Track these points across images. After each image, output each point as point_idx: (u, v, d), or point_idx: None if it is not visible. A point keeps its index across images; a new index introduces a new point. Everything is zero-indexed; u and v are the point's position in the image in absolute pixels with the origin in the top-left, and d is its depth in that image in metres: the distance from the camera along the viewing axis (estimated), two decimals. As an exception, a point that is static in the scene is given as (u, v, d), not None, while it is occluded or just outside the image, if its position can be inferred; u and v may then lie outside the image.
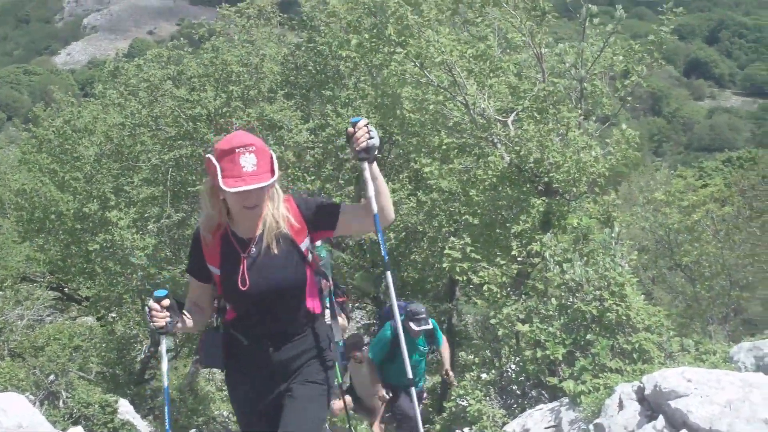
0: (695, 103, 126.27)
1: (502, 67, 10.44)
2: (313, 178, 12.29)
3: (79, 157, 16.17)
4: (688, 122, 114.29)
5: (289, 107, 12.79)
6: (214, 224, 3.99)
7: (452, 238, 10.43)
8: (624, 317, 7.45)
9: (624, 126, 10.03)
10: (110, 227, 13.79)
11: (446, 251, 9.94)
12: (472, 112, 9.98)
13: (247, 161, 3.72)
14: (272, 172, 3.78)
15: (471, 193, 10.41)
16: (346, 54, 11.56)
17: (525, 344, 8.60)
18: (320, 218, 4.09)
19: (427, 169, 10.68)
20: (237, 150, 3.71)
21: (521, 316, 8.39)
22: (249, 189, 3.69)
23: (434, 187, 11.53)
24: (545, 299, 8.28)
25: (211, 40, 14.41)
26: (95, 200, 15.06)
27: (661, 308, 8.31)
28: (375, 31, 10.53)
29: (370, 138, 3.92)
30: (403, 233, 14.08)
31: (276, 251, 3.99)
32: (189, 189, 13.74)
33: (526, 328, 7.97)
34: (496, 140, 10.16)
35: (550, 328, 7.70)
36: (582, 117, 10.03)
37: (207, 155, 3.82)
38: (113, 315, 17.25)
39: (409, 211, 13.35)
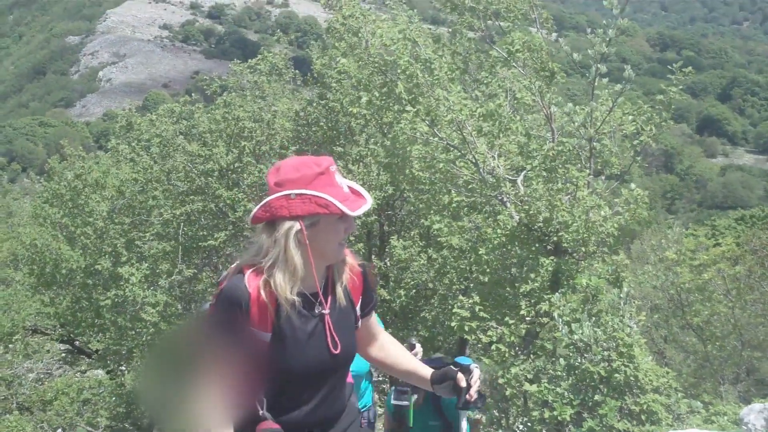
0: (708, 160, 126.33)
1: (511, 127, 10.50)
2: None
3: (90, 211, 16.19)
4: (701, 180, 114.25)
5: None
6: (296, 281, 3.05)
7: (461, 297, 10.43)
8: (632, 378, 7.42)
9: (633, 186, 10.04)
10: (122, 282, 13.75)
11: (455, 310, 9.94)
12: (481, 170, 10.03)
13: (342, 181, 3.06)
14: (358, 192, 3.11)
15: (480, 252, 10.41)
16: (356, 111, 11.67)
17: (533, 404, 8.55)
18: (370, 300, 3.40)
19: (436, 226, 10.71)
20: (331, 170, 3.02)
21: (529, 376, 8.37)
22: (369, 206, 3.06)
23: (445, 244, 11.55)
24: (553, 359, 8.26)
25: (224, 96, 14.53)
26: (107, 256, 15.07)
27: (669, 369, 8.28)
28: (385, 89, 10.63)
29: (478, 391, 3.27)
30: (414, 290, 14.07)
31: (342, 311, 3.26)
32: (200, 244, 13.79)
33: (534, 388, 7.94)
34: (505, 199, 10.19)
35: (558, 389, 7.67)
36: (591, 176, 10.06)
37: (273, 198, 2.99)
38: (123, 369, 17.23)
39: (420, 268, 13.36)
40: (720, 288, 18.46)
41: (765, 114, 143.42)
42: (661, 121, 10.16)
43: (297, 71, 16.44)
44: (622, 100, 10.08)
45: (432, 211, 11.21)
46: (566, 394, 7.58)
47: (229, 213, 13.53)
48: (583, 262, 10.12)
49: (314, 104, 13.89)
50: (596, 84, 9.99)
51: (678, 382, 8.24)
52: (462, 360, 3.33)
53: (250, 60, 15.81)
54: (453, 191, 10.71)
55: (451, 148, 10.29)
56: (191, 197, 13.52)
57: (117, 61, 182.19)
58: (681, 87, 10.19)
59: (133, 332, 14.71)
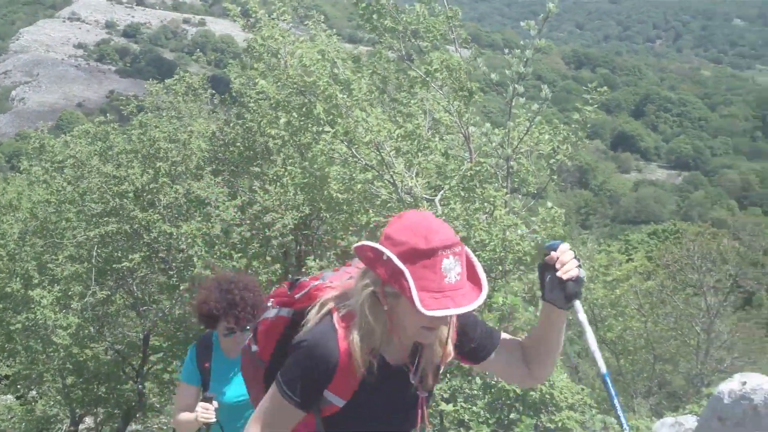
0: (622, 176, 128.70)
1: (430, 147, 10.55)
2: (240, 255, 12.22)
3: (3, 234, 15.80)
4: (614, 195, 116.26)
5: (216, 184, 12.77)
6: (375, 344, 2.79)
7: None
8: (547, 396, 7.49)
9: (549, 204, 10.16)
10: (33, 305, 13.43)
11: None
12: (399, 190, 10.05)
13: (452, 269, 2.60)
14: (479, 283, 2.70)
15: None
16: (275, 132, 11.60)
17: (449, 424, 8.58)
18: (479, 345, 3.07)
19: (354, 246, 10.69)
20: (441, 253, 2.58)
21: (445, 396, 8.38)
22: (457, 313, 2.61)
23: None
24: (470, 378, 8.29)
25: (139, 116, 14.36)
26: (18, 278, 14.69)
27: (584, 387, 8.38)
28: (304, 110, 10.60)
29: (579, 266, 2.85)
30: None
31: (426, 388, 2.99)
32: (114, 266, 13.58)
33: (450, 407, 7.95)
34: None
35: (474, 408, 7.71)
36: (508, 195, 10.14)
37: (376, 247, 2.67)
38: (33, 394, 16.88)
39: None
40: (633, 303, 18.80)
41: (677, 130, 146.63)
42: (577, 140, 10.30)
43: (214, 91, 16.31)
44: (539, 119, 10.18)
45: (350, 232, 11.20)
46: (482, 413, 7.62)
47: (144, 234, 13.35)
48: (500, 280, 10.18)
49: (231, 124, 13.79)
50: (513, 104, 10.09)
51: (592, 398, 8.33)
52: (550, 244, 2.84)
53: (166, 80, 15.67)
54: (371, 211, 10.71)
55: (370, 169, 10.29)
56: (105, 219, 13.29)
57: (30, 81, 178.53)
58: (596, 105, 10.36)
59: (44, 356, 14.42)
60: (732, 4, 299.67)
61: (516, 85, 9.99)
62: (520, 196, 10.78)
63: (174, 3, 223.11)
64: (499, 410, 7.70)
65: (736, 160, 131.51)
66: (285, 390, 2.85)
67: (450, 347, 2.93)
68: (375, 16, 10.38)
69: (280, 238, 12.43)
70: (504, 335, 3.16)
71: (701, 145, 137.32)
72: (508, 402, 7.69)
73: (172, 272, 13.26)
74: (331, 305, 2.86)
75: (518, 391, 7.53)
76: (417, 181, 10.21)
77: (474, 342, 3.03)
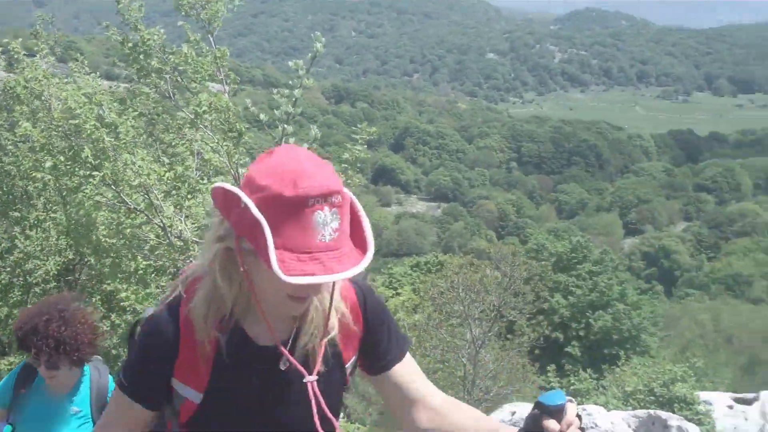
0: (383, 209, 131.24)
1: (200, 189, 10.36)
2: (0, 304, 11.60)
3: None
4: (377, 228, 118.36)
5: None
6: (220, 314, 2.21)
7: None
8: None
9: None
10: None
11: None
12: (169, 234, 9.81)
13: (327, 224, 2.01)
14: (364, 243, 2.14)
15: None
16: (40, 176, 11.09)
17: None
18: (382, 350, 2.47)
19: (123, 294, 10.32)
20: (312, 203, 1.98)
21: None
22: (326, 281, 2.00)
23: (128, 309, 11.18)
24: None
25: None
26: None
27: (358, 425, 8.42)
28: (71, 152, 10.17)
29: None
30: (99, 356, 13.50)
31: (315, 371, 2.32)
32: None
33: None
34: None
35: None
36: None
37: (232, 191, 2.06)
38: None
39: (102, 335, 12.83)
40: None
41: (436, 162, 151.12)
42: (347, 179, 10.41)
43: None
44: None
45: (118, 279, 10.83)
46: None
47: None
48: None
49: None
50: (283, 143, 10.07)
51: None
52: (549, 398, 2.16)
53: None
54: (139, 256, 10.41)
55: (138, 213, 10.00)
56: None
57: None
58: (364, 144, 10.53)
59: None
60: (485, 39, 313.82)
61: (285, 126, 9.99)
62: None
63: None
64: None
65: (493, 190, 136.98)
66: (120, 378, 2.33)
67: (334, 320, 2.32)
68: (142, 57, 10.12)
69: (42, 285, 11.87)
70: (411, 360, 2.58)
71: (459, 176, 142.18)
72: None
73: None
74: (179, 288, 2.28)
75: None
76: (187, 225, 10.01)
77: (378, 330, 2.46)
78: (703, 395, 12.69)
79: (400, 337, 2.52)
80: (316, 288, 2.13)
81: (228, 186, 2.08)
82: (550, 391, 2.23)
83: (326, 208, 1.99)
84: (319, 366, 2.30)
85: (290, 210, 1.96)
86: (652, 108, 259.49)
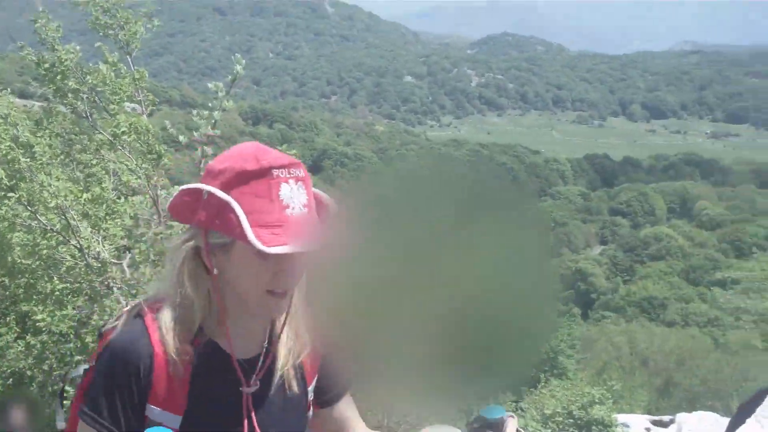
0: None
1: (118, 210, 10.29)
2: None
3: None
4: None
5: None
6: (194, 327, 2.10)
7: (68, 387, 9.98)
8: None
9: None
10: None
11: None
12: (86, 255, 9.74)
13: (295, 197, 2.00)
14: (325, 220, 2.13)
15: (87, 340, 10.08)
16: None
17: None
18: (337, 373, 2.41)
19: (39, 316, 10.20)
20: (277, 174, 1.98)
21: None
22: (305, 250, 1.95)
23: (44, 329, 11.04)
24: None
25: None
26: None
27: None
28: (-15, 174, 10.07)
29: None
30: (11, 379, 13.30)
31: (288, 392, 2.24)
32: None
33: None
34: (111, 284, 9.95)
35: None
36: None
37: (191, 187, 2.03)
38: None
39: (17, 355, 12.66)
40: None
41: (354, 184, 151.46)
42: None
43: None
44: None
45: (33, 300, 10.70)
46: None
47: None
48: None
49: None
50: (202, 166, 10.07)
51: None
52: (489, 412, 2.12)
53: None
54: (55, 278, 10.30)
55: (54, 234, 9.91)
56: None
57: None
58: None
59: None
60: (403, 62, 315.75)
61: (205, 147, 9.99)
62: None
63: None
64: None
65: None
66: (89, 414, 2.07)
67: (306, 337, 2.25)
68: (59, 77, 10.05)
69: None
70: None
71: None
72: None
73: None
74: (141, 306, 2.16)
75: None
76: (105, 246, 9.94)
77: (330, 383, 2.39)
78: (621, 417, 12.93)
79: (348, 372, 2.46)
80: (293, 269, 2.03)
81: (185, 187, 2.04)
82: (490, 405, 2.29)
83: (291, 181, 2.00)
84: (289, 386, 2.26)
85: (256, 184, 1.95)
86: (568, 132, 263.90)
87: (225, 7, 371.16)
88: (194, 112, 10.16)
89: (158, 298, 2.16)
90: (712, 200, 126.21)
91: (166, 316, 2.08)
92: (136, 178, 10.44)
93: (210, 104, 10.02)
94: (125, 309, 2.20)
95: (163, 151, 10.22)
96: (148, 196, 10.44)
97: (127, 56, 10.60)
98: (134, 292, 9.64)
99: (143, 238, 10.11)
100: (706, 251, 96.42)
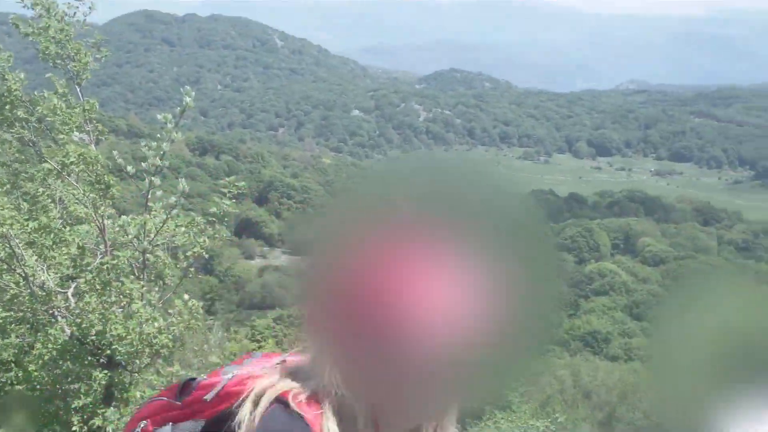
0: (246, 261, 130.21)
1: (65, 239, 10.30)
2: None
3: None
4: (239, 281, 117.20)
5: None
6: None
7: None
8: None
9: (187, 296, 10.27)
10: None
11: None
12: (31, 284, 9.74)
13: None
14: None
15: (30, 368, 10.04)
16: None
17: None
18: None
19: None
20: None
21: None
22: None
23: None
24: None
25: None
26: None
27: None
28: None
29: None
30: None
31: None
32: None
33: None
34: (56, 313, 9.96)
35: None
36: (145, 288, 10.11)
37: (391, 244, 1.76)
38: None
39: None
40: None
41: (300, 216, 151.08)
42: (214, 233, 10.51)
43: None
44: (176, 212, 10.28)
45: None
46: None
47: None
48: (137, 374, 10.11)
49: None
50: (150, 196, 10.15)
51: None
52: None
53: None
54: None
55: (-1, 262, 9.90)
56: None
57: None
58: (233, 199, 10.64)
59: None
60: (351, 96, 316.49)
61: (153, 178, 10.07)
62: (156, 289, 10.74)
63: None
64: None
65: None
66: None
67: None
68: (8, 107, 10.06)
69: None
70: None
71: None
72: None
73: None
74: (276, 391, 1.82)
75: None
76: (50, 275, 9.95)
77: None
78: (564, 450, 13.11)
79: None
80: None
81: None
82: None
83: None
84: None
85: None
86: (515, 168, 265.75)
87: (173, 38, 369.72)
88: (143, 142, 10.24)
89: (307, 386, 1.84)
90: (655, 237, 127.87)
91: (332, 426, 1.78)
92: (83, 208, 10.47)
93: (159, 135, 10.13)
94: (248, 406, 1.83)
95: (111, 182, 10.27)
96: (94, 225, 10.47)
97: (77, 86, 10.65)
98: (79, 321, 9.65)
99: (89, 268, 10.14)
100: (649, 287, 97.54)
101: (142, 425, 2.03)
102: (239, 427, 1.78)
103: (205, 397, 1.92)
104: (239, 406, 1.81)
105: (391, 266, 1.72)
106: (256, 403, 1.80)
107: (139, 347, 9.58)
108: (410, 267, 1.72)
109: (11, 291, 10.07)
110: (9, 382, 10.94)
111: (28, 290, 9.89)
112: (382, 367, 1.72)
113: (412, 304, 1.68)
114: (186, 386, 2.04)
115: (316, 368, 1.82)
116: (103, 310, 9.52)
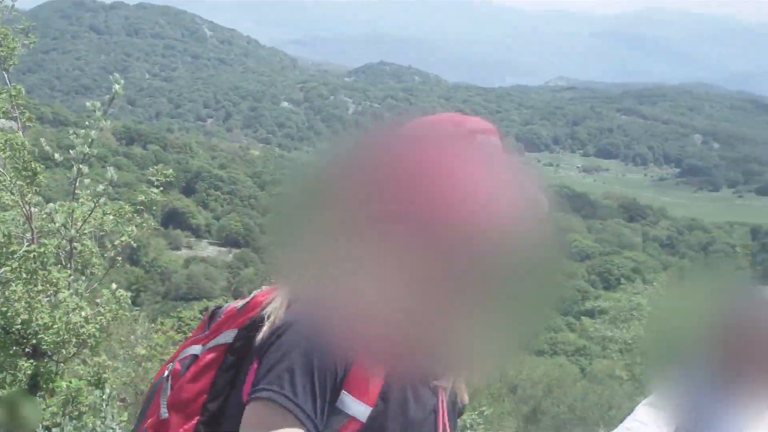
0: (173, 252, 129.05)
1: (-11, 227, 10.15)
2: None
3: None
4: (165, 271, 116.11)
5: None
6: None
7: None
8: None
9: (114, 286, 10.19)
10: None
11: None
12: (-44, 272, 9.59)
13: None
14: None
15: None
16: None
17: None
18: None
19: None
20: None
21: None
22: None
23: None
24: None
25: None
26: None
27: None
28: None
29: None
30: None
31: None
32: None
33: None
34: (-20, 301, 9.81)
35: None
36: (72, 277, 10.00)
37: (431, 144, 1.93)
38: None
39: None
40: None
41: (227, 208, 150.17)
42: (142, 222, 10.45)
43: None
44: (104, 200, 10.19)
45: None
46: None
47: None
48: (63, 364, 10.00)
49: None
50: (78, 184, 10.05)
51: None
52: None
53: None
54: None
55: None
56: None
57: None
58: (161, 188, 10.58)
59: None
60: (280, 88, 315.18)
61: (80, 166, 9.97)
62: (83, 278, 10.62)
63: None
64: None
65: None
66: (296, 404, 1.75)
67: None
68: (-68, 90, 9.89)
69: None
70: None
71: (251, 222, 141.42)
72: None
73: None
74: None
75: None
76: (-25, 262, 9.80)
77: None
78: (490, 444, 13.23)
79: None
80: None
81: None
82: None
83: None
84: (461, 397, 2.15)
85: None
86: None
87: (101, 25, 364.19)
88: (71, 130, 10.14)
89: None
90: (582, 233, 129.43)
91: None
92: (9, 195, 10.32)
93: (87, 123, 10.01)
94: (276, 303, 1.91)
95: (38, 169, 10.13)
96: (20, 212, 10.32)
97: (3, 72, 10.50)
98: (4, 310, 9.51)
99: (15, 255, 9.99)
100: (575, 282, 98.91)
101: (170, 367, 2.08)
102: (268, 318, 1.87)
103: (237, 306, 2.02)
104: (267, 306, 1.91)
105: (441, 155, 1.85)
106: (282, 300, 1.89)
107: (66, 337, 9.46)
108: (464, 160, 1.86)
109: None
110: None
111: (-47, 279, 9.74)
112: (430, 263, 1.66)
113: (470, 193, 1.77)
114: (213, 315, 2.12)
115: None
116: (29, 299, 9.39)
